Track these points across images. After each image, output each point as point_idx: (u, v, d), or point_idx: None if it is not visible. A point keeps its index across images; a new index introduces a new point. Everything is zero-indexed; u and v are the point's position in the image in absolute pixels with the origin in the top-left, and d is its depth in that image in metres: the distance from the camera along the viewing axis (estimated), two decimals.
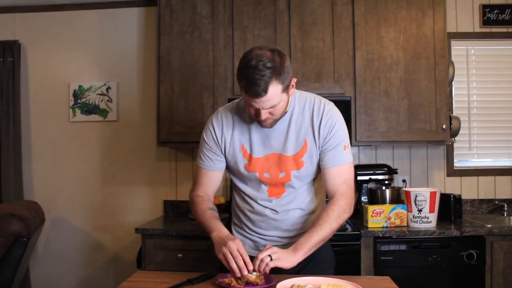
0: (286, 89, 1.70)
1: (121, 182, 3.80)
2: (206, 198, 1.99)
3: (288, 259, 1.66)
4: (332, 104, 1.92)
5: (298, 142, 1.87)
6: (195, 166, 2.07)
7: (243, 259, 1.63)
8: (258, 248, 1.95)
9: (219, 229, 1.79)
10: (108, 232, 3.80)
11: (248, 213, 1.99)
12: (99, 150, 3.83)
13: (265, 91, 1.62)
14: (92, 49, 3.85)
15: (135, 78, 3.81)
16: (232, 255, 1.63)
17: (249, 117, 1.88)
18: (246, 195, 1.97)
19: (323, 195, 2.05)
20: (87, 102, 3.82)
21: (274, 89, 1.64)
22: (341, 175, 1.88)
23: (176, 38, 3.31)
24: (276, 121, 1.81)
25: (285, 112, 1.82)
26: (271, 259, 1.62)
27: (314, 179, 1.96)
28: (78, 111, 3.83)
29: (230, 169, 2.00)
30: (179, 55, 3.30)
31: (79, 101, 3.82)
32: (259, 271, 1.64)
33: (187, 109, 3.28)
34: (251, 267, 1.63)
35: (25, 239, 2.86)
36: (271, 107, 1.70)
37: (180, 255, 2.92)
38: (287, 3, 3.24)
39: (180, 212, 3.68)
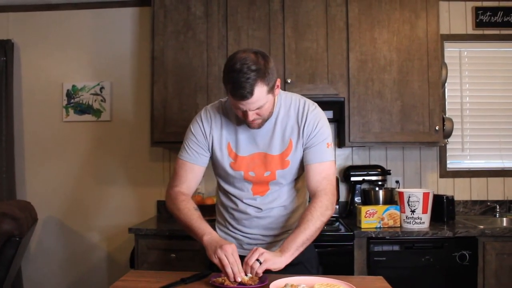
0: (271, 90, 1.73)
1: (115, 182, 3.79)
2: (190, 197, 1.97)
3: (276, 260, 1.65)
4: (316, 104, 1.95)
5: (283, 142, 1.90)
6: (175, 161, 2.01)
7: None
8: (242, 246, 1.98)
9: (210, 232, 1.78)
10: (101, 232, 3.79)
11: (232, 211, 2.00)
12: (92, 150, 3.82)
13: (251, 93, 1.66)
14: (86, 48, 3.84)
15: (129, 78, 3.80)
16: (228, 260, 1.63)
17: (236, 117, 1.90)
18: (230, 193, 1.99)
19: (306, 195, 2.07)
20: (81, 102, 3.80)
21: (260, 91, 1.67)
22: (322, 172, 1.88)
23: (170, 38, 3.30)
24: (264, 121, 1.84)
25: (272, 112, 1.85)
26: (260, 263, 1.62)
27: (297, 179, 1.98)
28: (71, 111, 3.81)
29: (215, 168, 2.01)
30: (173, 55, 3.30)
31: (72, 101, 3.81)
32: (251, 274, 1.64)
33: (181, 109, 3.27)
34: (243, 273, 1.63)
35: (17, 239, 2.84)
36: (258, 108, 1.73)
37: (173, 255, 2.91)
38: (281, 4, 3.25)
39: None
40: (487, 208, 3.56)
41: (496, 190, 3.61)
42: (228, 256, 1.64)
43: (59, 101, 3.84)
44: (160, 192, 3.74)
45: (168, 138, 3.28)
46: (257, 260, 1.62)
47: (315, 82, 3.21)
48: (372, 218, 2.95)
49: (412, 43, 3.22)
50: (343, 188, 3.62)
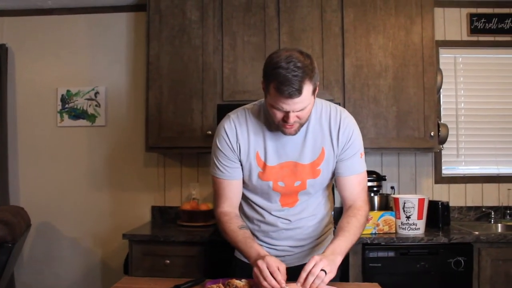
0: (314, 92, 1.66)
1: (109, 187, 3.78)
2: (233, 214, 1.88)
3: (334, 267, 1.59)
4: (347, 112, 1.90)
5: (315, 150, 1.83)
6: (212, 180, 1.94)
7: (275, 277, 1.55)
8: None
9: (257, 253, 1.67)
10: (95, 238, 3.76)
11: (259, 223, 1.94)
12: (86, 155, 3.80)
13: (299, 91, 1.56)
14: (81, 53, 3.83)
15: (124, 83, 3.79)
16: (263, 276, 1.55)
17: (265, 125, 1.82)
18: (257, 205, 1.92)
19: (332, 202, 2.05)
20: (75, 107, 3.79)
21: (307, 90, 1.59)
22: (360, 183, 1.89)
23: (165, 43, 3.30)
24: (301, 126, 1.74)
25: (309, 117, 1.76)
26: (325, 273, 1.54)
27: (326, 186, 1.95)
28: (66, 116, 3.80)
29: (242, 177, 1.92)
30: (168, 60, 3.29)
31: (66, 106, 3.80)
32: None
33: (176, 114, 3.26)
34: (283, 285, 1.54)
35: (10, 245, 2.82)
36: (301, 110, 1.64)
37: (168, 261, 2.89)
38: (276, 10, 3.25)
39: (168, 218, 3.65)
40: (482, 214, 3.56)
41: (491, 196, 3.61)
42: (263, 272, 1.55)
43: (53, 106, 3.82)
44: (154, 197, 3.72)
45: (163, 143, 3.27)
46: (322, 270, 1.54)
47: None
48: (367, 224, 2.94)
49: (407, 49, 3.22)
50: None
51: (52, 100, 3.82)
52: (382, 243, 2.86)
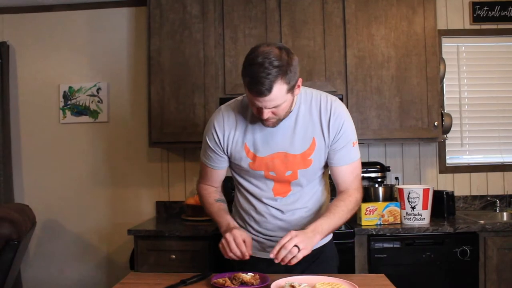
0: (291, 90, 1.64)
1: (113, 183, 3.78)
2: (212, 189, 2.02)
3: (310, 244, 1.61)
4: (338, 100, 1.88)
5: (305, 140, 1.82)
6: (200, 160, 2.05)
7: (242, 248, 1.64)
8: (265, 249, 1.90)
9: (226, 223, 1.79)
10: (100, 234, 3.77)
11: (253, 214, 1.94)
12: (90, 151, 3.80)
13: (269, 90, 1.57)
14: (82, 49, 3.82)
15: (126, 79, 3.79)
16: (236, 242, 1.64)
17: (252, 115, 1.82)
18: (250, 193, 1.93)
19: (329, 192, 2.04)
20: (77, 103, 3.79)
21: (279, 89, 1.58)
22: (353, 172, 1.88)
23: (166, 38, 3.29)
24: (279, 121, 1.74)
25: (289, 112, 1.76)
26: (299, 249, 1.56)
27: (320, 176, 1.94)
28: (68, 113, 3.80)
29: (233, 166, 1.95)
30: (170, 54, 3.28)
31: (69, 102, 3.79)
32: (287, 263, 1.58)
33: (178, 109, 3.26)
34: (245, 251, 1.64)
35: (15, 243, 2.83)
36: (274, 107, 1.64)
37: (173, 256, 2.90)
38: (277, 2, 3.23)
39: (172, 213, 3.66)
40: (487, 203, 3.56)
41: (496, 185, 3.61)
42: (230, 243, 1.64)
43: (55, 102, 3.82)
44: (159, 193, 3.72)
45: (166, 139, 3.27)
46: (296, 246, 1.56)
47: (312, 79, 3.20)
48: (372, 215, 2.94)
49: (410, 39, 3.20)
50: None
51: (54, 97, 3.82)
52: (388, 234, 2.86)
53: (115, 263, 3.74)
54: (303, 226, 1.89)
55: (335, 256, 2.05)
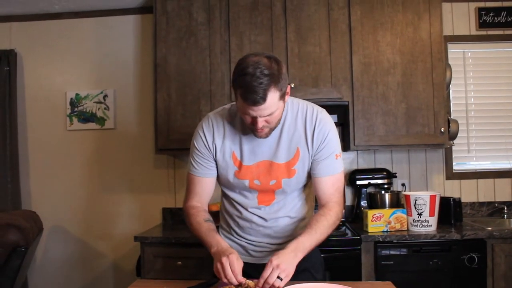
0: (282, 97, 1.66)
1: (120, 190, 3.79)
2: (201, 208, 1.93)
3: (292, 267, 1.61)
4: (324, 111, 1.89)
5: (290, 150, 1.84)
6: (186, 175, 1.99)
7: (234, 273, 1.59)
8: (248, 252, 1.94)
9: (218, 244, 1.73)
10: (107, 241, 3.78)
11: (237, 219, 1.96)
12: (96, 158, 3.81)
13: (263, 98, 1.57)
14: (89, 57, 3.84)
15: (132, 86, 3.80)
16: (225, 273, 1.59)
17: (241, 124, 1.84)
18: (235, 201, 1.94)
19: (313, 202, 2.03)
20: (84, 110, 3.80)
21: (272, 97, 1.59)
22: (334, 184, 1.87)
23: (172, 45, 3.30)
24: (271, 130, 1.76)
25: (279, 121, 1.78)
26: (281, 279, 1.57)
27: (303, 187, 1.94)
28: (75, 120, 3.81)
29: (219, 176, 1.94)
30: (176, 62, 3.29)
31: (76, 109, 3.81)
32: None
33: (184, 116, 3.27)
34: (241, 279, 1.60)
35: (23, 249, 2.84)
36: (268, 115, 1.65)
37: (180, 262, 2.90)
38: (283, 8, 3.24)
39: (179, 219, 3.66)
40: (494, 209, 3.54)
41: (503, 191, 3.59)
42: (225, 269, 1.59)
43: (62, 109, 3.84)
44: (165, 199, 3.73)
45: (172, 145, 3.28)
46: (278, 277, 1.57)
47: (318, 86, 3.20)
48: (379, 222, 2.93)
49: (416, 45, 3.20)
50: (349, 192, 3.60)
51: (61, 104, 3.85)
52: (394, 241, 2.85)
53: (122, 269, 3.75)
54: (285, 233, 1.92)
55: (320, 263, 2.05)
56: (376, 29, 3.22)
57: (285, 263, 1.59)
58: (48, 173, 3.85)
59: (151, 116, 3.60)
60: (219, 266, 1.61)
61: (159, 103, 3.29)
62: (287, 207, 1.91)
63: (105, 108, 3.79)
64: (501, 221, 3.38)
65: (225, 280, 1.59)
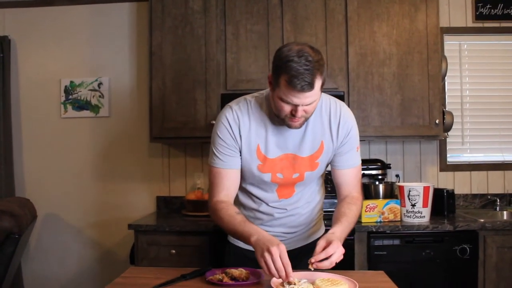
0: (322, 86, 1.65)
1: (114, 178, 3.78)
2: (230, 203, 1.83)
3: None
4: (346, 106, 1.92)
5: (314, 144, 1.84)
6: (208, 170, 1.89)
7: (285, 269, 1.52)
8: None
9: (258, 232, 1.64)
10: (101, 228, 3.78)
11: (254, 212, 1.96)
12: (91, 146, 3.80)
13: (311, 85, 1.56)
14: (83, 44, 3.82)
15: (127, 74, 3.78)
16: (275, 266, 1.51)
17: (268, 117, 1.81)
18: (254, 195, 1.93)
19: (324, 188, 2.09)
20: (79, 98, 3.78)
21: (318, 84, 1.59)
22: (356, 176, 1.93)
23: (168, 33, 3.28)
24: (306, 120, 1.74)
25: (313, 111, 1.74)
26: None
27: (321, 176, 2.00)
28: (69, 107, 3.80)
29: (241, 172, 1.89)
30: (171, 50, 3.28)
31: (70, 97, 3.79)
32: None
33: (179, 104, 3.26)
34: (291, 278, 1.53)
35: (16, 236, 2.84)
36: (309, 104, 1.63)
37: (173, 251, 2.91)
38: None
39: (173, 208, 3.66)
40: (487, 201, 3.56)
41: (496, 184, 3.61)
42: (276, 261, 1.51)
43: (57, 97, 3.82)
44: (159, 187, 3.73)
45: (167, 134, 3.27)
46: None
47: None
48: (373, 212, 2.94)
49: (412, 37, 3.20)
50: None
51: (55, 91, 3.82)
52: (387, 231, 2.86)
53: (115, 257, 3.75)
54: (302, 221, 1.97)
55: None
56: (373, 20, 3.21)
57: (338, 244, 1.64)
58: (42, 160, 3.83)
59: (146, 105, 3.59)
60: (267, 255, 1.52)
61: (154, 92, 3.28)
62: (305, 197, 1.95)
63: (99, 96, 3.77)
64: (493, 213, 3.40)
65: (273, 272, 1.51)
